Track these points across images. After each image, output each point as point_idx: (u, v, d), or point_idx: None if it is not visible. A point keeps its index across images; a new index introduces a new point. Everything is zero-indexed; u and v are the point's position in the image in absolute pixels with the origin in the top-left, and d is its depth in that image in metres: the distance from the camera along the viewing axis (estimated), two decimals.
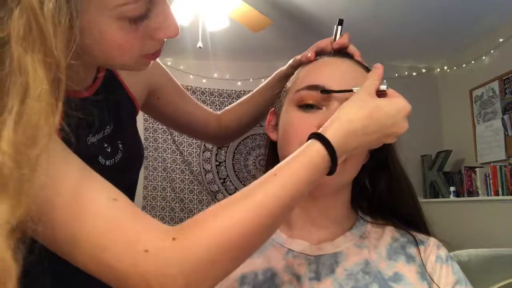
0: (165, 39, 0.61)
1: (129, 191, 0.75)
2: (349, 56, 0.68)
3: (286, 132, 0.62)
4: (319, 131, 0.51)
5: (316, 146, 0.50)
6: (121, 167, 0.73)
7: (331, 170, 0.50)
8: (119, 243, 0.43)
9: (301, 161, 0.49)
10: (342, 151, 0.51)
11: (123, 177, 0.71)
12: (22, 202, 0.37)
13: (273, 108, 0.70)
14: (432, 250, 0.62)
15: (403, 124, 0.54)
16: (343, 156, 0.52)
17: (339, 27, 0.72)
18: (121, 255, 0.42)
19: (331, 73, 0.63)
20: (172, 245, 0.42)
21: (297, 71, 0.70)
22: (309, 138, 0.51)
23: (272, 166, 0.57)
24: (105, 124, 0.73)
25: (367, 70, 0.66)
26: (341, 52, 0.70)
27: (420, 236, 0.64)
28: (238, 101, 0.98)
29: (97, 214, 0.44)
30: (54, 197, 0.43)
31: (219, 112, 1.00)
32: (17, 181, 0.37)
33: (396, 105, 0.54)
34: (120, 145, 0.76)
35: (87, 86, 0.71)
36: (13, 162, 0.37)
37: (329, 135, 0.50)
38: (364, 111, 0.52)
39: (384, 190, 0.68)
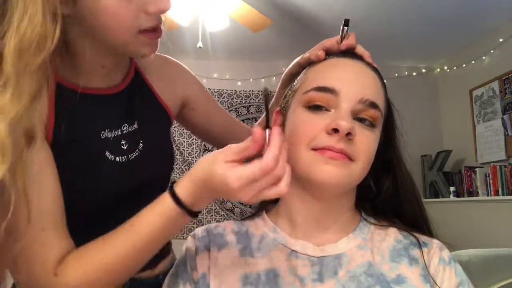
0: (161, 18, 0.66)
1: (150, 186, 0.77)
2: (359, 57, 0.67)
3: (294, 133, 0.61)
4: (173, 184, 0.56)
5: (167, 201, 0.55)
6: (136, 165, 0.76)
7: (192, 215, 0.55)
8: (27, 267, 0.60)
9: (154, 213, 0.57)
10: (193, 203, 0.55)
11: (138, 174, 0.76)
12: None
13: (279, 108, 0.69)
14: (435, 252, 0.61)
15: (237, 195, 0.49)
16: (200, 205, 0.56)
17: (345, 28, 0.71)
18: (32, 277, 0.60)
19: (341, 75, 0.62)
20: (55, 281, 0.59)
21: (304, 70, 0.69)
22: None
23: None
24: (125, 122, 0.77)
25: (377, 72, 0.66)
26: (350, 53, 0.68)
27: (423, 238, 0.64)
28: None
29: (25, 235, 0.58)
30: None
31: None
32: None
33: (225, 180, 0.49)
34: (141, 145, 0.78)
35: (113, 85, 0.77)
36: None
37: (178, 190, 0.55)
38: (208, 174, 0.51)
39: (388, 191, 0.67)
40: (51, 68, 0.62)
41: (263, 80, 3.74)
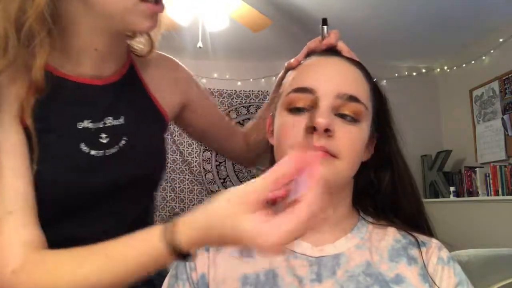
0: None
1: (130, 185, 0.74)
2: (338, 53, 0.68)
3: (277, 136, 0.62)
4: (172, 229, 0.47)
5: (158, 245, 0.47)
6: (113, 161, 0.71)
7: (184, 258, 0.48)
8: None
9: (139, 251, 0.50)
10: (191, 249, 0.47)
11: (114, 172, 0.71)
12: None
13: (271, 113, 0.70)
14: (434, 252, 0.61)
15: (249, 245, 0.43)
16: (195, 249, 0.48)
17: (324, 27, 0.72)
18: None
19: (318, 73, 0.63)
20: (9, 277, 0.54)
21: (287, 74, 0.70)
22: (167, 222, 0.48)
23: None
24: (110, 115, 0.73)
25: (360, 66, 0.65)
26: (331, 50, 0.69)
27: (422, 238, 0.63)
28: (258, 115, 0.97)
29: None
30: None
31: (244, 130, 1.00)
32: None
33: (255, 239, 0.42)
34: (123, 141, 0.73)
35: (103, 76, 0.73)
36: None
37: (179, 238, 0.46)
38: (228, 231, 0.44)
39: (388, 187, 0.67)
40: (40, 54, 0.62)
41: (263, 80, 3.74)
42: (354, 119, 0.59)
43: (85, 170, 0.68)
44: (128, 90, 0.77)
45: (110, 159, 0.71)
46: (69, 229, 0.68)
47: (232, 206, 0.44)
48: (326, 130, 0.56)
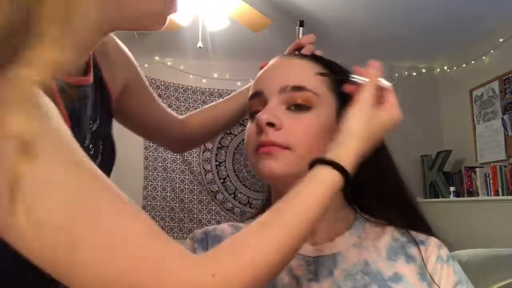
0: None
1: None
2: (297, 53, 0.69)
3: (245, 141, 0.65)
4: (331, 158, 0.50)
5: (332, 176, 0.49)
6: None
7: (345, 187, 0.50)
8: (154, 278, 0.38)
9: (316, 188, 0.48)
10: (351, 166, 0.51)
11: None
12: None
13: None
14: (433, 250, 0.60)
15: (389, 131, 0.56)
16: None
17: (300, 28, 0.74)
18: None
19: (263, 75, 0.65)
20: (214, 283, 0.39)
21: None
22: (318, 162, 0.50)
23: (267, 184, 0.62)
24: (92, 119, 0.64)
25: (314, 58, 0.65)
26: (294, 51, 0.70)
27: (420, 236, 0.63)
28: (204, 107, 0.99)
29: (136, 248, 0.38)
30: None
31: (182, 117, 0.97)
32: None
33: (392, 117, 0.55)
34: (101, 147, 0.67)
35: (82, 71, 0.61)
36: None
37: (341, 160, 0.49)
38: (366, 125, 0.54)
39: (368, 177, 0.63)
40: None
41: None
42: (304, 107, 0.59)
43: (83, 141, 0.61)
44: (97, 81, 0.66)
45: (95, 135, 0.64)
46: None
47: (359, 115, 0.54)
48: (270, 124, 0.57)
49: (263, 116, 0.57)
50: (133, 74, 0.81)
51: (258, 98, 0.62)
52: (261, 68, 0.69)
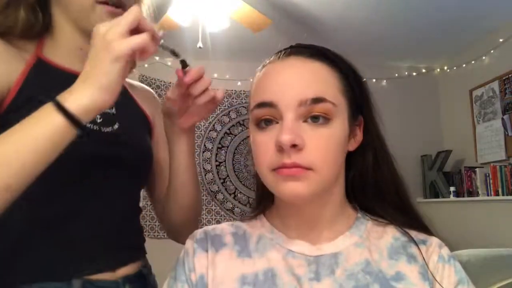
0: None
1: (117, 169, 0.78)
2: (296, 50, 0.61)
3: (255, 157, 0.60)
4: (59, 101, 0.54)
5: (56, 120, 0.54)
6: (108, 138, 0.77)
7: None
8: None
9: (39, 132, 0.54)
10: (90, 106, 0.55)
11: (107, 148, 0.77)
12: None
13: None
14: (434, 250, 0.60)
15: (109, 41, 0.55)
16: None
17: (184, 69, 0.68)
18: None
19: (276, 83, 0.58)
20: None
21: (251, 82, 0.65)
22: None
23: (259, 182, 0.64)
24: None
25: (320, 54, 0.60)
26: (289, 49, 0.63)
27: (421, 236, 0.63)
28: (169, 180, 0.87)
29: None
30: None
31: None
32: None
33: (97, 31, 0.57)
34: (116, 126, 0.80)
35: None
36: None
37: (70, 105, 0.54)
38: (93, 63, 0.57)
39: (369, 175, 0.65)
40: (34, 46, 0.75)
41: None
42: (324, 118, 0.56)
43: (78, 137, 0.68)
44: (122, 98, 0.79)
45: (104, 136, 0.76)
46: (65, 204, 0.72)
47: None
48: (293, 146, 0.54)
49: (287, 137, 0.53)
50: (156, 114, 0.93)
51: (269, 108, 0.57)
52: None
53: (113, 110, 0.80)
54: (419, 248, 0.61)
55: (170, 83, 3.65)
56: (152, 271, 0.89)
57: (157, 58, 3.59)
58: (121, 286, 0.76)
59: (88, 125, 0.73)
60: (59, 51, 0.78)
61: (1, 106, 0.69)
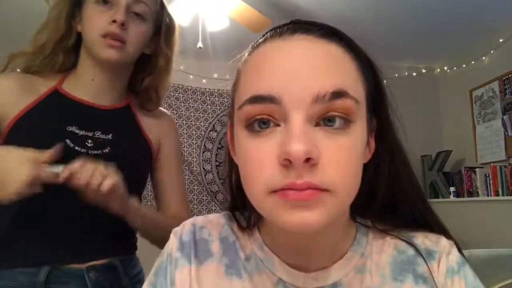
0: (124, 30, 0.85)
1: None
2: (315, 30, 0.44)
3: (245, 169, 0.44)
4: None
5: None
6: (95, 159, 0.81)
7: None
8: None
9: None
10: None
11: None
12: None
13: (229, 121, 0.51)
14: (443, 262, 0.50)
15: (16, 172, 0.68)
16: None
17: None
18: None
19: (279, 71, 0.42)
20: None
21: (237, 71, 0.49)
22: None
23: (238, 189, 0.51)
24: (100, 130, 0.88)
25: (332, 33, 0.45)
26: (298, 23, 0.46)
27: (428, 243, 0.52)
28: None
29: None
30: None
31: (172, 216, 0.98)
32: None
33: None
34: (107, 150, 0.87)
35: (100, 105, 0.90)
36: None
37: None
38: None
39: (383, 187, 0.52)
40: (57, 79, 0.89)
41: None
42: (343, 121, 0.41)
43: (66, 158, 0.75)
44: (121, 118, 0.93)
45: (90, 157, 0.80)
46: (59, 212, 0.82)
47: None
48: (307, 160, 0.38)
49: (300, 148, 0.38)
50: (167, 140, 1.00)
51: (268, 104, 0.41)
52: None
53: (109, 136, 0.88)
54: (427, 264, 0.51)
55: (171, 83, 3.64)
56: (137, 265, 0.95)
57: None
58: (85, 274, 0.83)
59: (77, 148, 0.83)
60: (77, 83, 0.89)
61: (7, 125, 0.83)
